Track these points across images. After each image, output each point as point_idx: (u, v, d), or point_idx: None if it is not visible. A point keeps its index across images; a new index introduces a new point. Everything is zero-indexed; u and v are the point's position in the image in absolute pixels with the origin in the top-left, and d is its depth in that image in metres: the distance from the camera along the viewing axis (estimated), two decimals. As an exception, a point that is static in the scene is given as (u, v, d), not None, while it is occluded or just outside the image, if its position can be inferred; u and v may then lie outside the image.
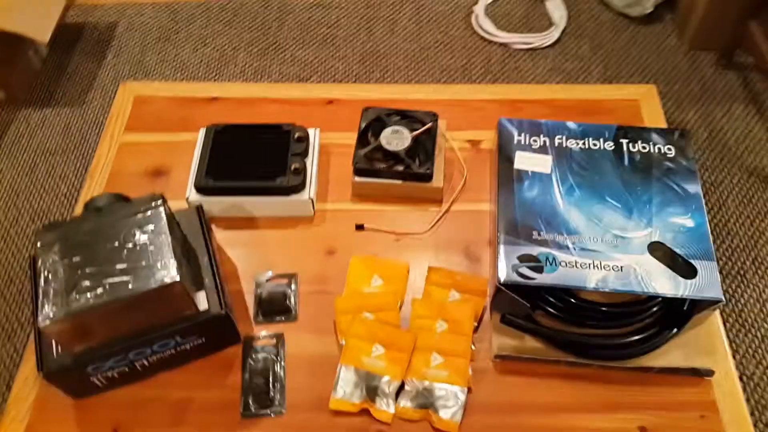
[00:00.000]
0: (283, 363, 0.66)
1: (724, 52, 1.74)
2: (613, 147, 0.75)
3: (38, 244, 0.56)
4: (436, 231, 0.77)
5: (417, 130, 0.79)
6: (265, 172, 0.75)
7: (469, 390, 0.64)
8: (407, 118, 0.81)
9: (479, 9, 1.87)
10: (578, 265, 0.65)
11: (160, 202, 0.60)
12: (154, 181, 0.83)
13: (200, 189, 0.75)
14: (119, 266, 0.55)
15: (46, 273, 0.54)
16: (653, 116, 0.87)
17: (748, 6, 1.60)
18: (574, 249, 0.66)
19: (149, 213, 0.59)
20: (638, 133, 0.76)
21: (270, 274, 0.73)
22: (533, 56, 1.80)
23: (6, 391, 1.28)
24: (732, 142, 1.62)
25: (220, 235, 0.77)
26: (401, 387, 0.64)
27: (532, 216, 0.69)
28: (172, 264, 0.55)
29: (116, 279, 0.54)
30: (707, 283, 0.64)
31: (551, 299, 0.67)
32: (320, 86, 0.94)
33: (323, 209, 0.79)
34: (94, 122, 1.73)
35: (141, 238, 0.57)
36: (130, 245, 0.57)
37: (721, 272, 1.40)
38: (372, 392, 0.63)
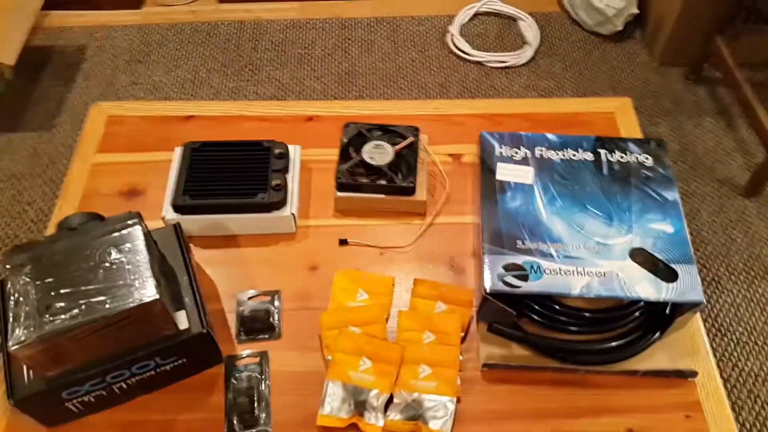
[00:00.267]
0: (267, 381, 0.64)
1: (693, 67, 1.80)
2: (592, 157, 0.76)
3: (7, 266, 0.54)
4: (420, 244, 0.77)
5: (399, 144, 0.79)
6: (245, 189, 0.74)
7: (458, 400, 0.63)
8: (389, 132, 0.81)
9: (454, 29, 1.90)
10: (562, 272, 0.65)
11: (136, 220, 0.59)
12: (129, 201, 0.81)
13: (177, 208, 0.74)
14: (95, 286, 0.53)
15: (15, 296, 0.52)
16: (629, 127, 0.89)
17: (714, 22, 1.66)
18: (558, 257, 0.66)
19: (125, 231, 0.58)
20: (616, 143, 0.77)
21: (252, 292, 0.72)
22: (508, 74, 1.84)
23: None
24: (702, 154, 1.66)
25: (198, 255, 0.75)
26: (390, 400, 0.63)
27: (515, 226, 0.69)
28: (151, 282, 0.53)
29: (92, 299, 0.52)
30: (688, 286, 0.65)
31: (536, 307, 0.67)
32: (299, 103, 0.93)
33: (305, 225, 0.78)
34: (64, 146, 1.69)
35: (117, 256, 0.56)
36: (107, 264, 0.55)
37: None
38: (360, 406, 0.62)
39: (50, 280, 0.53)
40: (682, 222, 0.70)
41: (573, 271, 0.65)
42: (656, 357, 0.66)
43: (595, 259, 0.66)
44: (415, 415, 0.62)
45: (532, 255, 0.66)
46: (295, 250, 0.76)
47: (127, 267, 0.55)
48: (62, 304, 0.52)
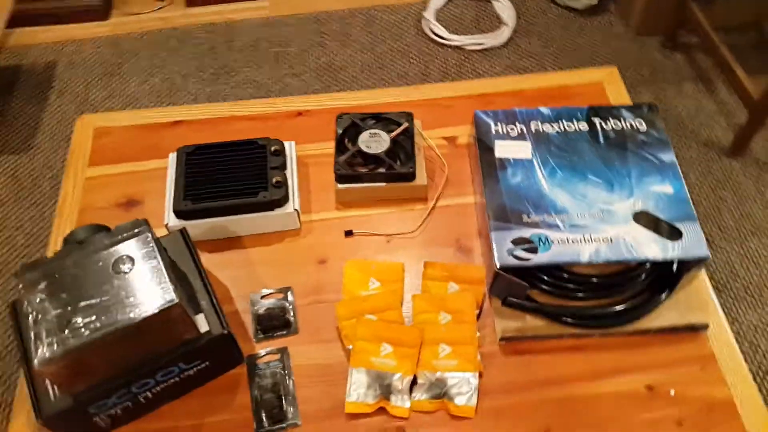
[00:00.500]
0: (291, 376, 0.64)
1: (669, 35, 1.82)
2: (587, 127, 0.77)
3: (21, 285, 0.53)
4: (425, 228, 0.77)
5: (394, 131, 0.79)
6: (246, 189, 0.74)
7: (480, 375, 0.64)
8: (382, 120, 0.82)
9: (429, 15, 1.90)
10: (570, 242, 0.66)
11: (144, 227, 0.58)
12: (128, 211, 0.81)
13: (180, 213, 0.73)
14: (112, 296, 0.53)
15: (34, 314, 0.51)
16: (618, 96, 0.90)
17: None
18: (564, 227, 0.67)
19: (135, 239, 0.57)
20: (609, 111, 0.78)
21: (264, 290, 0.72)
22: (488, 56, 1.84)
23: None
24: (686, 118, 1.69)
25: (205, 260, 0.75)
26: (414, 381, 0.63)
27: (519, 200, 0.70)
28: (169, 287, 0.53)
29: (111, 310, 0.52)
30: (693, 242, 0.66)
31: (545, 277, 0.68)
32: (287, 99, 0.93)
33: (309, 220, 0.78)
34: (45, 166, 1.65)
35: (131, 265, 0.55)
36: (121, 274, 0.55)
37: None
38: (386, 390, 0.62)
39: (66, 295, 0.52)
40: (681, 182, 0.71)
41: (580, 239, 0.66)
42: (667, 314, 0.68)
43: (600, 225, 0.67)
44: (440, 393, 0.63)
45: (539, 227, 0.67)
46: (301, 245, 0.76)
47: (142, 274, 0.54)
48: (82, 318, 0.51)
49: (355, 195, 0.79)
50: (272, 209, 0.74)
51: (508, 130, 0.77)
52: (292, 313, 0.69)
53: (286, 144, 0.80)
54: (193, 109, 0.92)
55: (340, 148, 0.80)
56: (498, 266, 0.65)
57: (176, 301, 0.52)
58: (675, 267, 0.68)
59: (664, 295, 0.68)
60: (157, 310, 0.52)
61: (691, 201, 0.69)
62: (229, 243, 0.76)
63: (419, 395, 0.63)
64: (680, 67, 1.80)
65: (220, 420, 0.63)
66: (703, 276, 0.71)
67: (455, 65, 1.82)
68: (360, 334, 0.65)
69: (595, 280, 0.68)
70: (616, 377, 0.65)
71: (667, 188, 0.71)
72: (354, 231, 0.77)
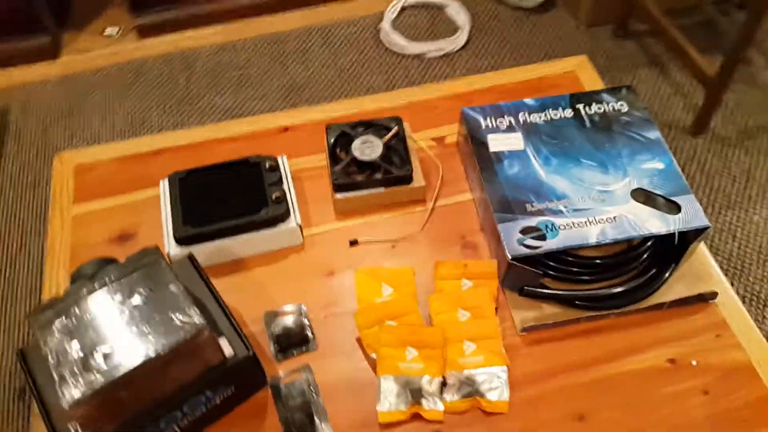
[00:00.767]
0: (318, 392, 0.63)
1: (619, 24, 1.89)
2: (572, 114, 0.79)
3: (36, 327, 0.50)
4: (428, 229, 0.78)
5: (385, 136, 0.80)
6: (247, 207, 0.72)
7: (507, 367, 0.64)
8: (372, 126, 0.82)
9: (386, 24, 1.93)
10: (576, 225, 0.67)
11: (156, 255, 0.57)
12: (123, 245, 0.78)
13: (181, 240, 0.71)
14: (134, 329, 0.51)
15: (54, 355, 0.49)
16: (591, 82, 0.93)
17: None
18: (568, 211, 0.69)
19: (149, 267, 0.55)
20: (590, 96, 0.81)
21: (278, 309, 0.70)
22: (448, 61, 1.87)
23: None
24: (645, 103, 1.75)
25: (211, 284, 0.73)
26: (443, 383, 0.63)
27: (520, 191, 0.71)
28: (193, 311, 0.51)
29: (135, 343, 0.50)
30: (692, 214, 0.68)
31: (553, 264, 0.69)
32: (269, 116, 0.92)
33: (310, 234, 0.78)
34: (12, 216, 1.58)
35: (148, 294, 0.53)
36: (139, 304, 0.53)
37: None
38: (416, 395, 0.62)
39: (85, 332, 0.50)
40: (669, 156, 0.74)
41: (585, 222, 0.68)
42: (676, 287, 0.70)
43: (601, 206, 0.69)
44: (471, 391, 0.62)
45: (544, 215, 0.69)
46: (307, 260, 0.75)
47: (162, 303, 0.53)
48: (104, 355, 0.49)
49: (355, 203, 0.79)
50: (275, 225, 0.73)
51: (498, 123, 0.78)
52: (309, 329, 0.68)
53: (279, 159, 0.79)
54: (174, 135, 0.90)
55: (333, 158, 0.79)
56: (510, 257, 0.65)
57: (204, 324, 0.51)
58: (676, 240, 0.71)
59: (670, 270, 0.70)
60: (186, 336, 0.50)
61: (683, 174, 0.72)
62: (233, 266, 0.75)
63: (450, 396, 0.62)
64: (633, 54, 1.87)
65: (253, 445, 0.61)
66: (703, 247, 0.73)
67: (418, 72, 1.85)
68: (384, 341, 0.64)
69: (598, 261, 0.70)
70: (637, 355, 0.66)
71: (658, 164, 0.73)
72: (359, 239, 0.77)
